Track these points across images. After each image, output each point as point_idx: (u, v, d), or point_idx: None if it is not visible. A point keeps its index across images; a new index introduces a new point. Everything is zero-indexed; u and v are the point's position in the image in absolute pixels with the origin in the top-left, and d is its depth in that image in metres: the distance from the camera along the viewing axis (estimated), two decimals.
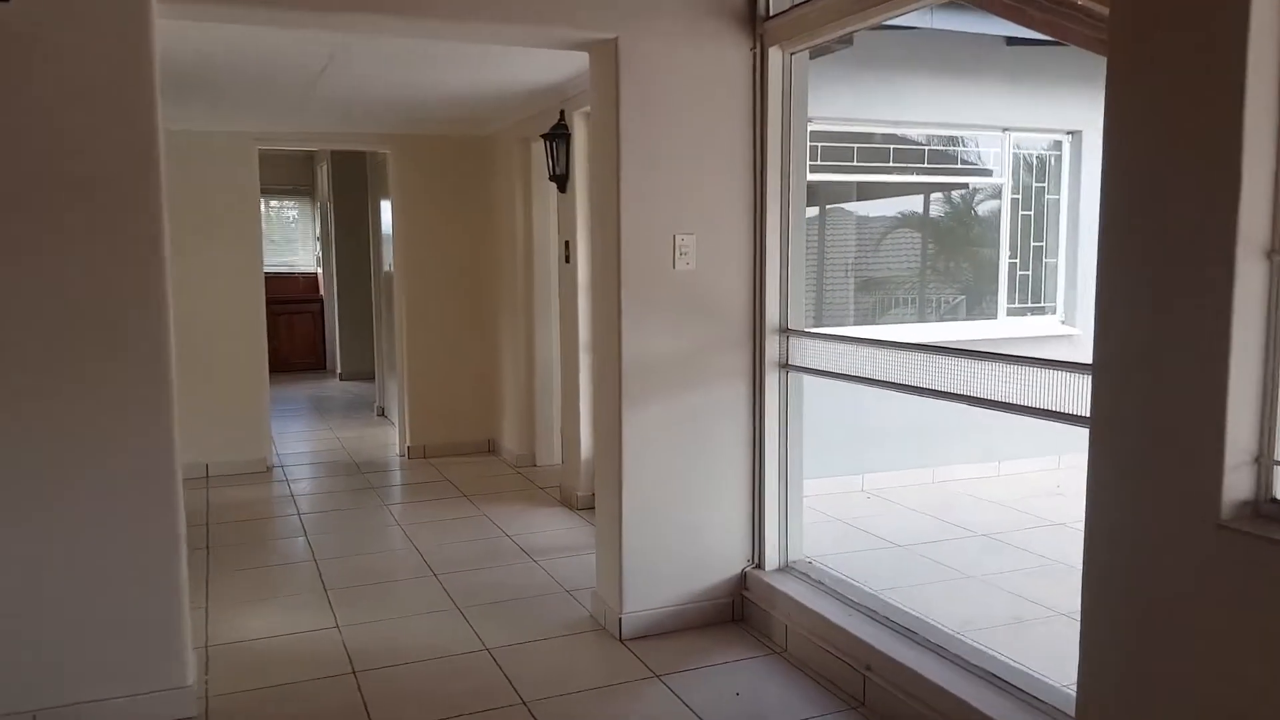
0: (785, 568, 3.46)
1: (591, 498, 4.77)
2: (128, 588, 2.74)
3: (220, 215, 5.78)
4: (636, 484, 3.32)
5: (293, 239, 11.62)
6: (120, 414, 2.77)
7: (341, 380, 10.11)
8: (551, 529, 4.66)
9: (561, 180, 5.04)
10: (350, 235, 9.94)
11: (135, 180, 2.72)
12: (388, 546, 4.44)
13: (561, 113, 4.90)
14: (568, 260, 5.08)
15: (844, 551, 4.17)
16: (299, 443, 6.91)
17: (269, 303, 11.51)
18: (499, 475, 5.81)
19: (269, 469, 5.97)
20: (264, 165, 11.74)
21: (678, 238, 3.29)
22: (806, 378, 3.41)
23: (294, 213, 11.57)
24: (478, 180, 6.35)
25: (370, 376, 9.92)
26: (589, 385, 4.98)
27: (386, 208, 7.17)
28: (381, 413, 7.93)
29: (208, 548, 4.42)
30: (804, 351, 3.36)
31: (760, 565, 3.47)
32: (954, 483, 5.35)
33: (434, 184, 6.27)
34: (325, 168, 10.22)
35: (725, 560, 3.46)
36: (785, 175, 3.35)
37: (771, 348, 3.39)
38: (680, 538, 3.39)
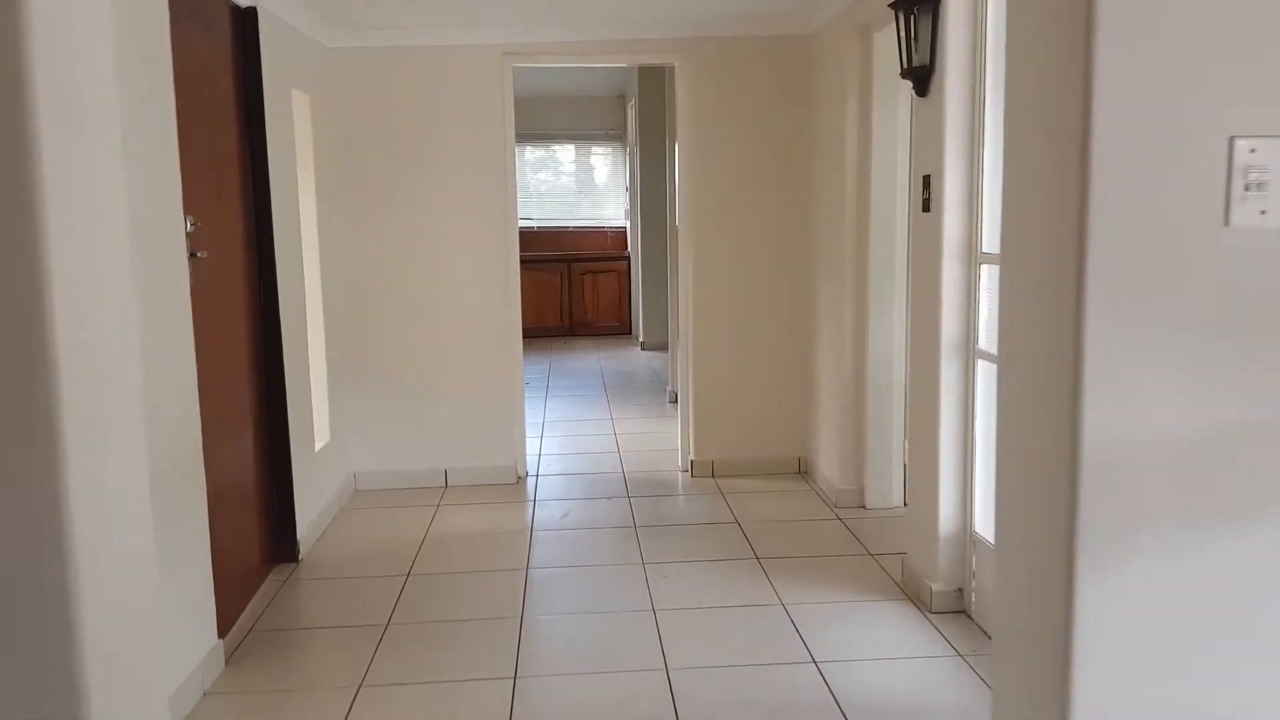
0: None
1: (957, 596, 2.90)
2: None
3: (460, 155, 4.52)
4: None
5: (603, 189, 10.52)
6: None
7: (644, 350, 8.85)
8: (893, 656, 2.84)
9: (922, 76, 3.12)
10: (654, 184, 8.57)
11: None
12: (622, 661, 2.86)
13: None
14: (927, 208, 3.17)
15: None
16: (569, 438, 5.62)
17: (571, 259, 10.74)
18: (810, 521, 4.07)
19: (519, 479, 4.70)
20: (571, 108, 10.80)
21: (1239, 146, 1.32)
22: None
23: (605, 160, 10.46)
24: (792, 97, 4.55)
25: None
26: (952, 403, 3.07)
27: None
28: (674, 399, 6.47)
29: (387, 624, 3.15)
30: None
31: None
32: None
33: (732, 104, 4.57)
34: (634, 108, 8.90)
35: None
36: None
37: None
38: None
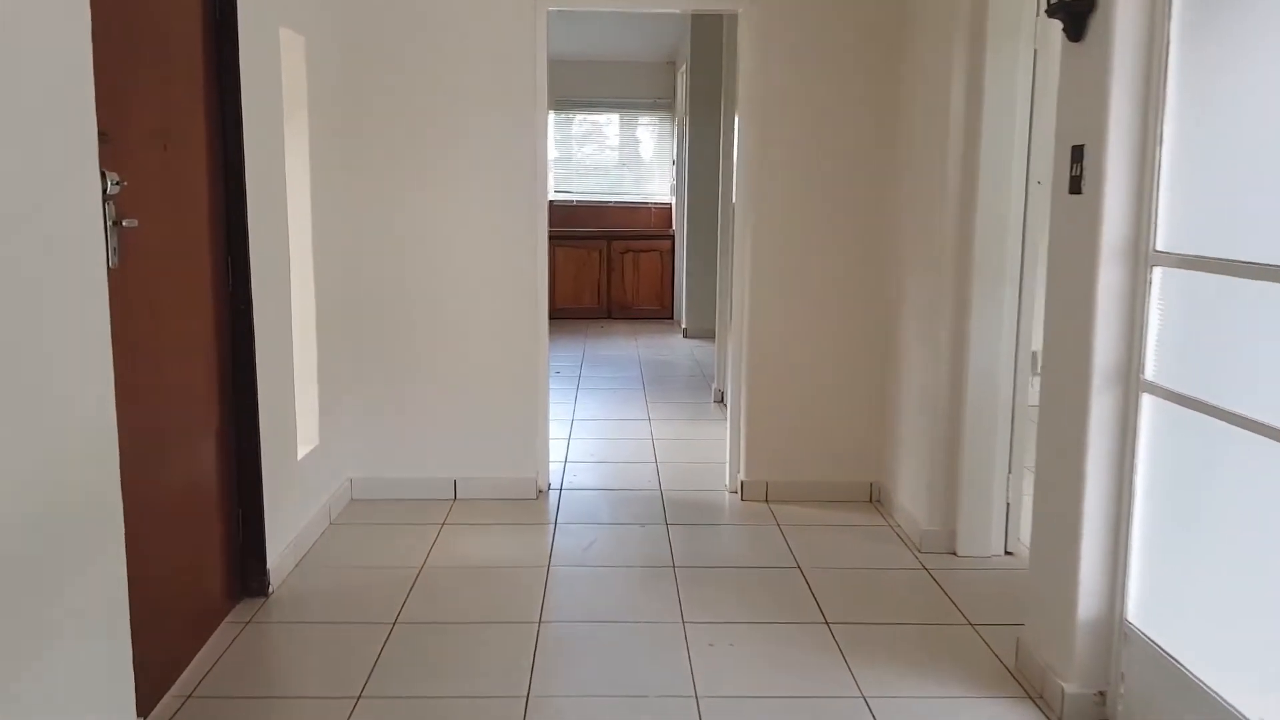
0: None
1: (1097, 704, 2.16)
2: None
3: (483, 117, 3.81)
4: None
5: (649, 162, 9.77)
6: None
7: (686, 337, 8.13)
8: None
9: (1078, 14, 2.34)
10: (705, 158, 7.83)
11: None
12: None
13: None
14: (1077, 188, 2.39)
15: None
16: (600, 442, 4.93)
17: (611, 236, 9.97)
18: (890, 571, 3.34)
19: (540, 493, 4.03)
20: (617, 73, 10.05)
21: None
22: None
23: (651, 131, 9.70)
24: (878, 47, 3.78)
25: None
26: (1105, 447, 2.32)
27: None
28: (721, 398, 5.76)
29: (358, 698, 2.49)
30: None
31: None
32: None
33: (804, 59, 3.81)
34: (685, 74, 8.13)
35: None
36: None
37: None
38: None
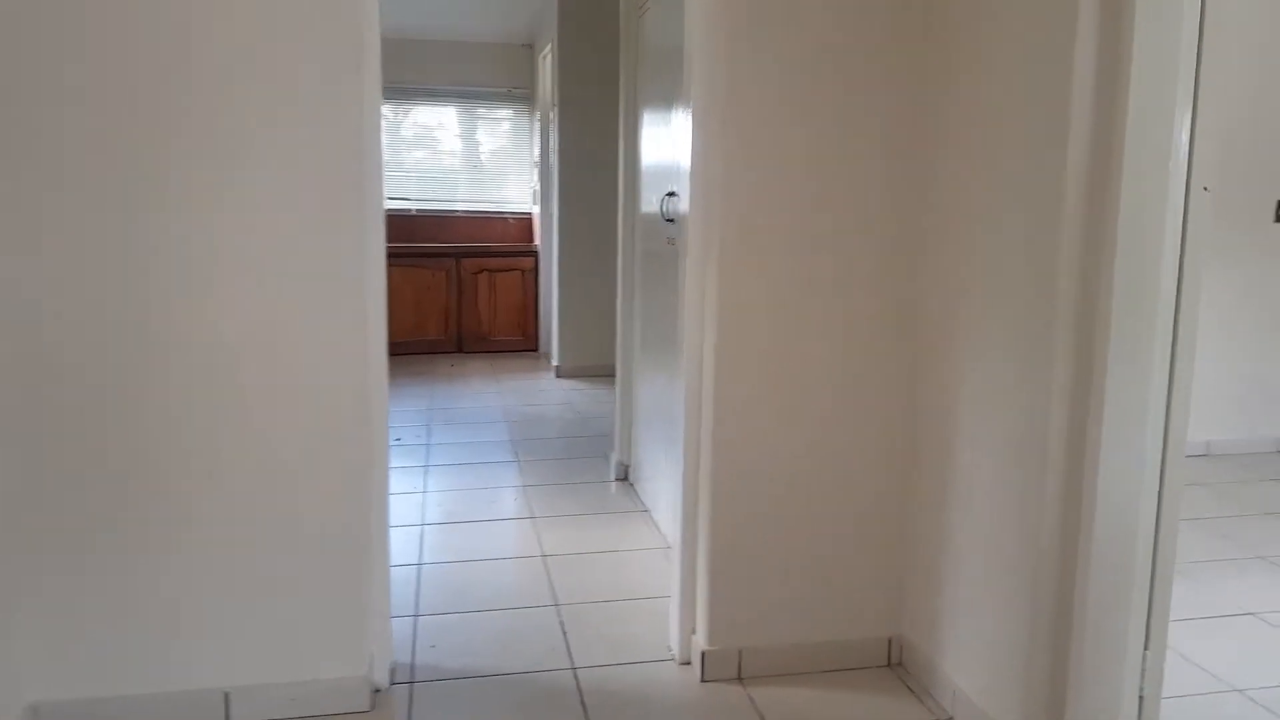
0: None
1: None
2: None
3: (270, 100, 2.21)
4: None
5: (504, 164, 8.21)
6: None
7: (560, 377, 6.64)
8: None
9: None
10: (584, 160, 6.41)
11: None
12: None
13: None
14: None
15: None
16: (470, 570, 3.37)
17: (461, 253, 8.20)
18: None
19: (377, 695, 2.46)
20: (459, 57, 8.44)
21: None
22: None
23: (506, 127, 8.15)
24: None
25: (605, 376, 6.42)
26: None
27: (656, 113, 3.50)
28: (625, 475, 4.32)
29: None
30: None
31: None
32: None
33: (786, 21, 2.44)
34: (549, 59, 6.67)
35: None
36: None
37: None
38: None
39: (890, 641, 2.68)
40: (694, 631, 2.65)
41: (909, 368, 2.58)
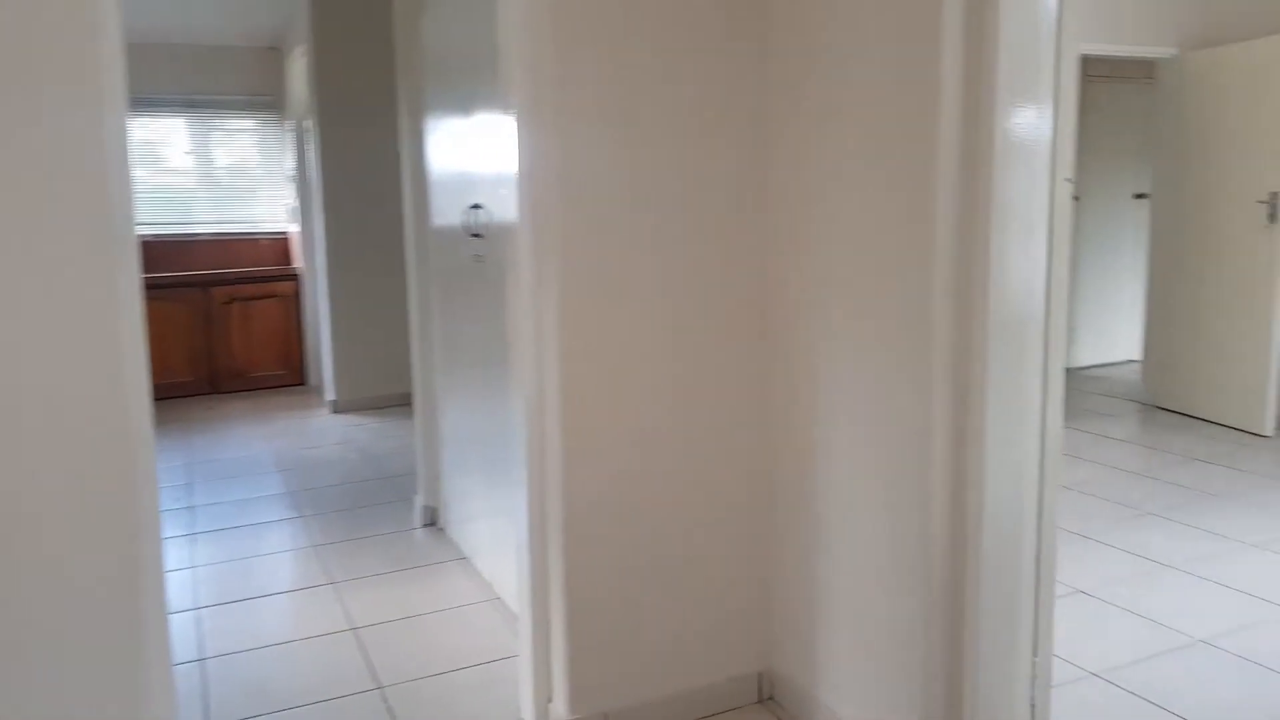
0: None
1: None
2: None
3: None
4: None
5: (254, 182, 7.41)
6: None
7: (338, 413, 6.03)
8: None
9: None
10: (351, 171, 5.89)
11: None
12: None
13: None
14: None
15: None
16: (264, 660, 2.83)
17: (209, 282, 7.22)
18: None
19: None
20: (190, 62, 7.56)
21: None
22: None
23: (250, 138, 7.36)
24: None
25: (392, 408, 5.93)
26: None
27: (449, 120, 3.15)
28: (433, 520, 3.89)
29: None
30: None
31: None
32: None
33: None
34: (305, 65, 6.06)
35: None
36: None
37: None
38: None
39: (760, 676, 2.48)
40: (550, 699, 2.33)
41: (768, 382, 2.40)
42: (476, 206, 2.95)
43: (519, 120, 2.14)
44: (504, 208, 2.66)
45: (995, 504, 1.92)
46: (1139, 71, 6.69)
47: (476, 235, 2.98)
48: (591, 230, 2.17)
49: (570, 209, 2.14)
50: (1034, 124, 1.86)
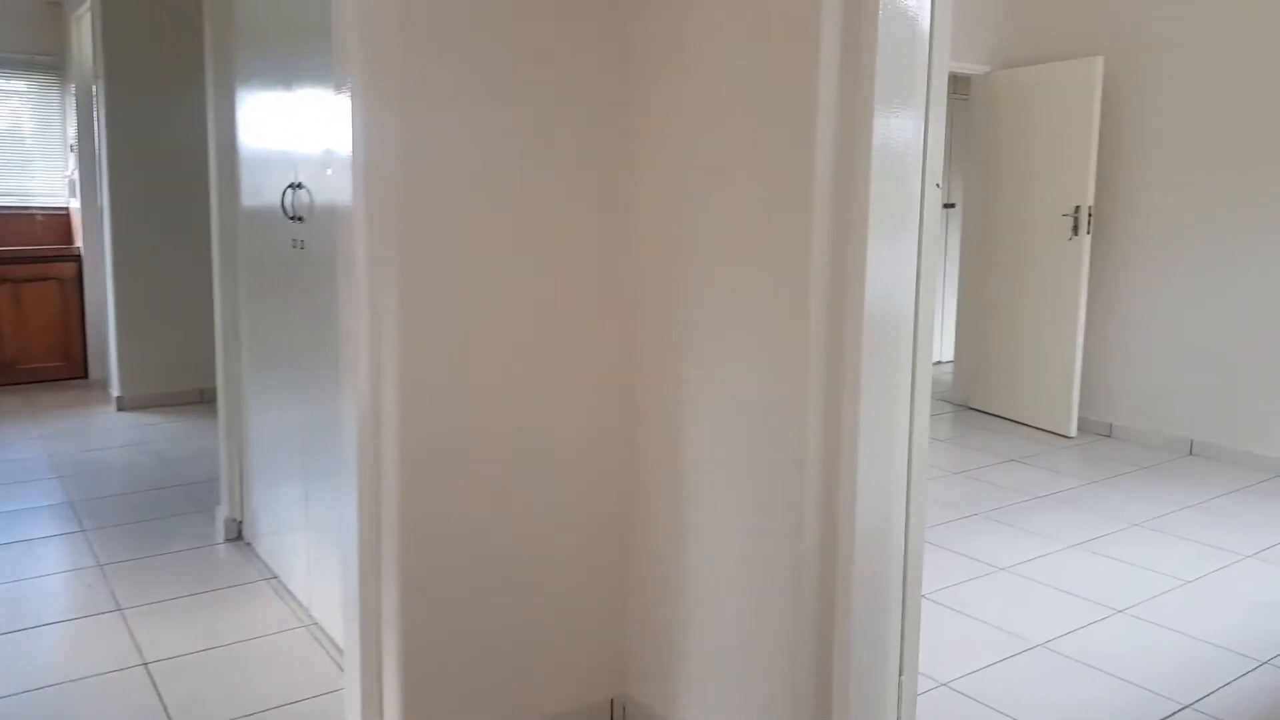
0: None
1: None
2: None
3: None
4: None
5: (28, 150, 6.55)
6: None
7: (124, 410, 5.41)
8: None
9: None
10: (143, 143, 5.29)
11: None
12: None
13: None
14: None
15: None
16: (33, 711, 2.40)
17: None
18: None
19: None
20: None
21: None
22: None
23: (25, 102, 6.50)
24: None
25: (188, 405, 5.39)
26: None
27: (265, 93, 2.80)
28: (238, 534, 3.49)
29: None
30: None
31: None
32: None
33: None
34: (90, 20, 5.39)
35: None
36: None
37: None
38: None
39: (612, 703, 2.32)
40: (380, 712, 2.08)
41: (631, 380, 2.23)
42: (297, 186, 2.63)
43: (355, 95, 1.87)
44: (331, 189, 2.37)
45: (868, 512, 1.84)
46: (951, 87, 7.02)
47: (297, 219, 2.66)
48: (437, 216, 1.93)
49: (412, 192, 1.90)
50: (909, 129, 1.79)
